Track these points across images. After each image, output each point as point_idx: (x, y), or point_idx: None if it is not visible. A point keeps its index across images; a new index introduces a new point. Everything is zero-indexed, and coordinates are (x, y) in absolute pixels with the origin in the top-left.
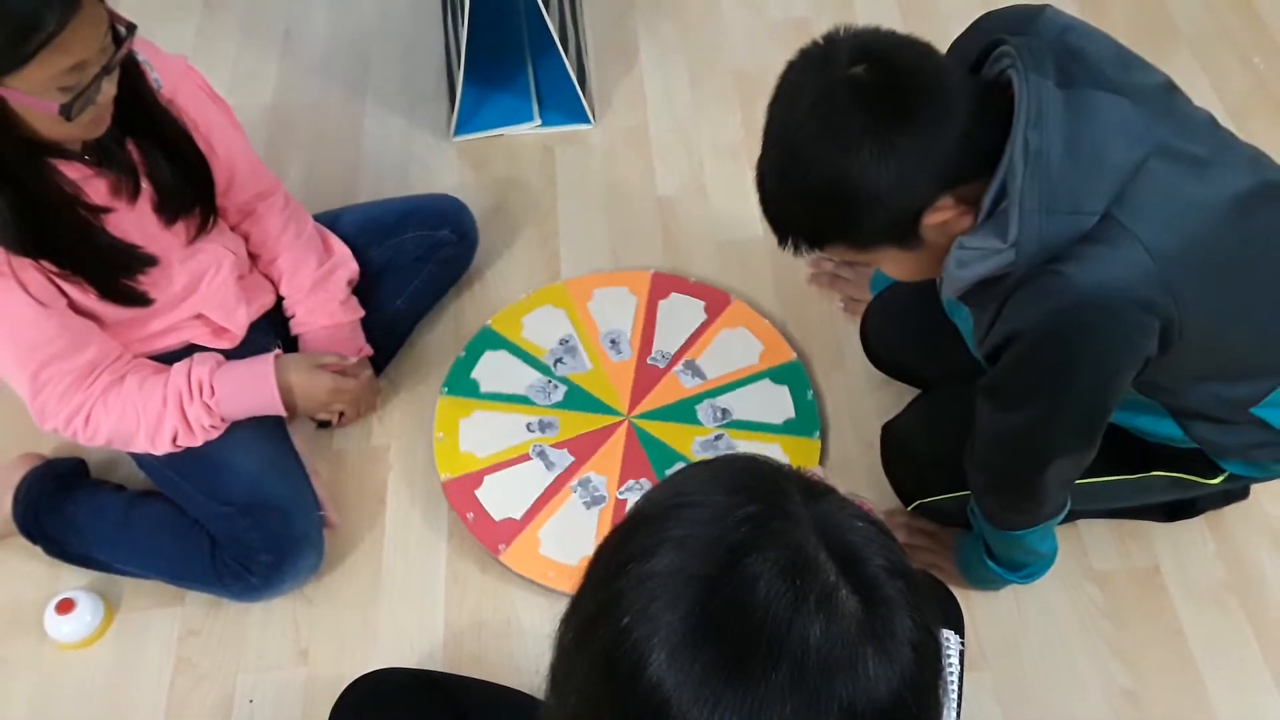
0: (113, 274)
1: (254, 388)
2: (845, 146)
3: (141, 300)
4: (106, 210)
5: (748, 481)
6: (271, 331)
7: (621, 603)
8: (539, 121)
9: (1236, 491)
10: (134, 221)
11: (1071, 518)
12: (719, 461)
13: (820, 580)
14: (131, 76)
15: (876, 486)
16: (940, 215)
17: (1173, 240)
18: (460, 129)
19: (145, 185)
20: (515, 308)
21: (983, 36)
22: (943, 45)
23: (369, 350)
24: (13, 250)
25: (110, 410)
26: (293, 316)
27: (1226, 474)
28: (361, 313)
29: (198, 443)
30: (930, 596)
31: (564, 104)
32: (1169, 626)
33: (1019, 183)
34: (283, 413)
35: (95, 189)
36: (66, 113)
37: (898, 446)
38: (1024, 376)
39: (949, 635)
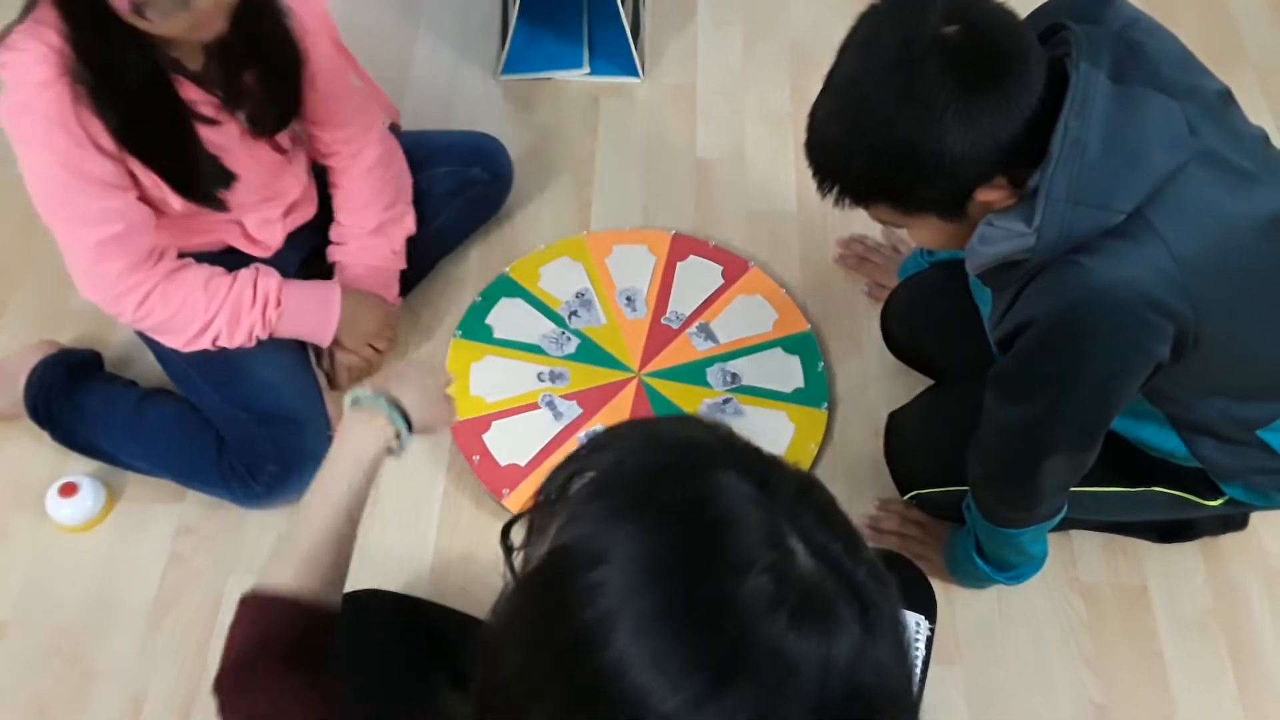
0: (197, 183)
1: (316, 311)
2: (928, 111)
3: (219, 205)
4: (208, 122)
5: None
6: (299, 246)
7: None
8: (588, 70)
9: (1235, 520)
10: (223, 136)
11: (1068, 525)
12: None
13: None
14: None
15: (876, 472)
16: (992, 194)
17: (1199, 247)
18: (508, 68)
19: (244, 108)
20: (534, 257)
21: (1048, 18)
22: None
23: (399, 303)
24: (119, 141)
25: (170, 299)
26: (342, 244)
27: (1227, 497)
28: (404, 265)
29: (233, 346)
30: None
31: (615, 55)
32: (1148, 648)
33: (1051, 169)
34: (328, 342)
35: (203, 108)
36: (138, 11)
37: (901, 436)
38: (1031, 366)
39: (918, 619)
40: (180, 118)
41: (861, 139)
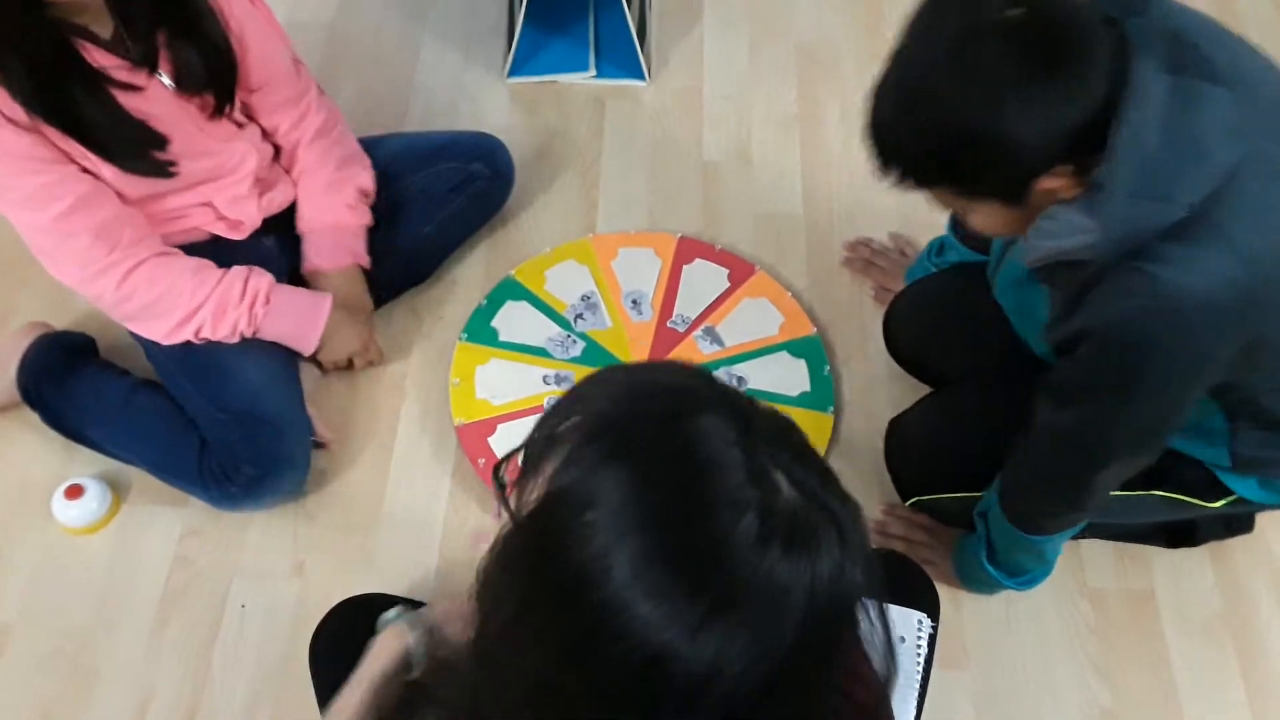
0: (123, 146)
1: (305, 314)
2: (991, 95)
3: (159, 171)
4: (126, 88)
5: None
6: (290, 252)
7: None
8: (594, 72)
9: (1241, 522)
10: (147, 101)
11: (1077, 534)
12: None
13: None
14: None
15: (883, 477)
16: (1055, 181)
17: (1266, 247)
18: (515, 70)
19: (165, 68)
20: (539, 260)
21: (1097, 11)
22: None
23: (366, 260)
24: (29, 110)
25: (156, 282)
26: (301, 213)
27: (1233, 497)
28: (369, 220)
29: (215, 338)
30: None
31: (621, 58)
32: (1156, 653)
33: (1112, 163)
34: (310, 349)
35: (117, 72)
36: None
37: (902, 441)
38: (1095, 374)
39: (920, 617)
40: (92, 84)
41: (924, 121)
